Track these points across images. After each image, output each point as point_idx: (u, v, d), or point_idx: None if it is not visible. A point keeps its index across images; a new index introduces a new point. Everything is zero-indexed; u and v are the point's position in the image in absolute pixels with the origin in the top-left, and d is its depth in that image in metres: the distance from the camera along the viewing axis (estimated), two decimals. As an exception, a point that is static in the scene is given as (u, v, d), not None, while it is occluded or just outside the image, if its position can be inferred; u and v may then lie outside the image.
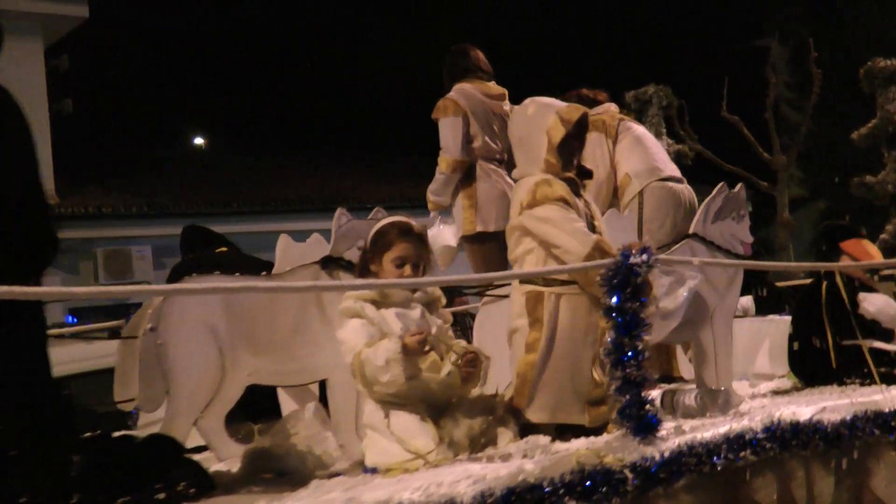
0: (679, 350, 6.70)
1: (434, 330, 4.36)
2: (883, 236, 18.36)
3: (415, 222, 4.57)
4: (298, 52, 35.34)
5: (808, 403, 4.86)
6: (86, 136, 24.36)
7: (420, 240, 4.49)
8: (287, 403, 5.60)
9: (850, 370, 5.80)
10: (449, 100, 6.67)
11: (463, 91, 6.71)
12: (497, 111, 6.74)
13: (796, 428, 4.30)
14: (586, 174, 5.01)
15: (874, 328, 5.91)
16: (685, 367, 6.67)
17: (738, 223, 5.50)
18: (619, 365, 4.13)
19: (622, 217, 5.83)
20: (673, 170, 6.81)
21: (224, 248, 5.84)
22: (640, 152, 6.75)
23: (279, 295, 4.62)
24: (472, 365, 4.31)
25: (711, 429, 4.24)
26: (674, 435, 4.17)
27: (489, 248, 6.55)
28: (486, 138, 6.65)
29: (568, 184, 4.77)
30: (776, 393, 5.71)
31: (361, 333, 4.27)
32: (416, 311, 4.39)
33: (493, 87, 6.82)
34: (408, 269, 4.41)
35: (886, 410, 4.60)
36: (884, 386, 5.35)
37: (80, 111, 21.38)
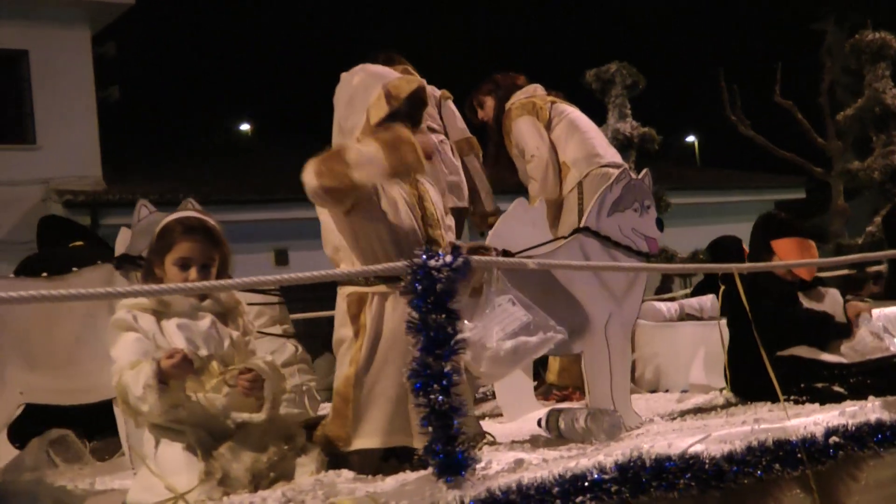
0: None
1: (226, 343, 3.57)
2: (869, 228, 16.67)
3: (208, 218, 3.77)
4: (347, 38, 34.69)
5: (701, 430, 3.98)
6: (132, 123, 23.97)
7: (210, 237, 3.70)
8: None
9: (787, 384, 4.87)
10: None
11: None
12: None
13: (660, 466, 3.43)
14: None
15: (816, 335, 4.96)
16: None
17: (642, 216, 4.59)
18: (423, 390, 3.29)
19: (532, 209, 4.94)
20: (613, 155, 5.96)
21: (80, 243, 5.08)
22: (577, 138, 5.90)
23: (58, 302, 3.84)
24: (252, 384, 3.51)
25: (549, 467, 3.40)
26: (493, 476, 3.33)
27: None
28: None
29: None
30: (696, 411, 4.80)
31: (133, 350, 3.52)
32: (203, 322, 3.63)
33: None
34: (193, 273, 3.65)
35: (793, 439, 3.71)
36: (790, 405, 4.46)
37: (127, 98, 21.01)
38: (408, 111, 4.02)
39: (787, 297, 5.01)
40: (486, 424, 4.89)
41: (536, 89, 6.18)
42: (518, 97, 6.12)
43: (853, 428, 3.90)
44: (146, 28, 20.59)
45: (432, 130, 5.78)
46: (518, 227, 4.82)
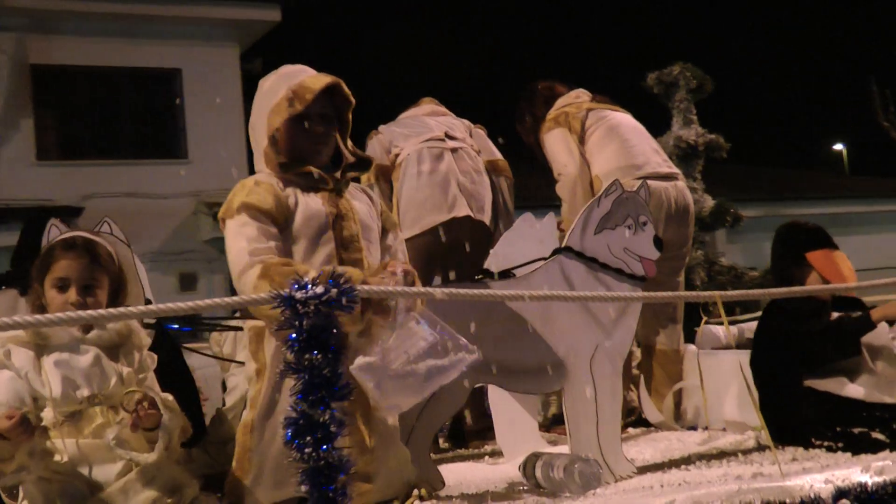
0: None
1: (113, 381, 3.12)
2: None
3: (99, 238, 3.33)
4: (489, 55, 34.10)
5: (683, 486, 3.34)
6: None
7: (93, 257, 3.24)
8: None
9: (821, 426, 4.12)
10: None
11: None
12: (427, 113, 5.44)
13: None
14: (362, 164, 3.63)
15: (837, 346, 4.18)
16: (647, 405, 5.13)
17: (636, 233, 3.91)
18: (295, 442, 2.76)
19: (540, 224, 4.33)
20: (658, 164, 5.25)
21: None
22: (613, 148, 5.23)
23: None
24: (147, 414, 3.05)
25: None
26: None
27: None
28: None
29: (302, 178, 3.40)
30: (708, 458, 4.09)
31: (2, 392, 3.06)
32: (86, 358, 3.16)
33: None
34: (73, 294, 3.22)
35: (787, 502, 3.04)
36: (822, 453, 3.73)
37: None
38: (321, 111, 3.48)
39: (815, 316, 4.24)
40: (474, 467, 4.32)
41: (578, 96, 5.52)
42: (555, 107, 5.48)
43: (874, 489, 3.14)
44: (292, 44, 20.53)
45: (451, 137, 5.21)
46: (521, 245, 4.23)
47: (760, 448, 4.23)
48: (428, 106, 5.45)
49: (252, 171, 3.61)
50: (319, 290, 2.73)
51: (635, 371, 5.37)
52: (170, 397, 3.20)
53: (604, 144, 5.26)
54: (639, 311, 3.97)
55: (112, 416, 3.08)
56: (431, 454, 4.80)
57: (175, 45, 16.82)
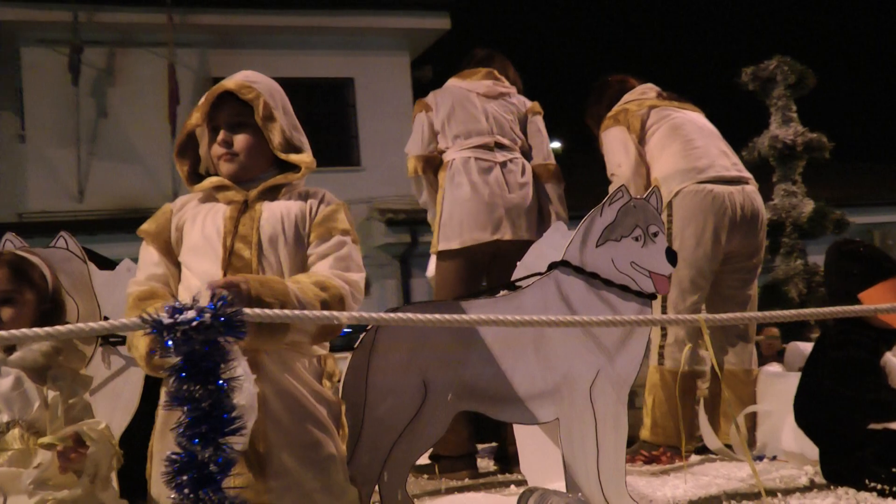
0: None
1: (36, 406, 2.91)
2: None
3: (27, 254, 3.14)
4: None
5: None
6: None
7: (13, 270, 3.04)
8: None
9: (875, 466, 3.55)
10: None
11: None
12: (483, 90, 4.96)
13: None
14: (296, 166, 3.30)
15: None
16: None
17: (646, 246, 3.42)
18: (171, 483, 2.47)
19: (571, 233, 3.91)
20: (724, 167, 4.73)
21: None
22: (674, 149, 4.74)
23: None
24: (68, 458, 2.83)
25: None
26: None
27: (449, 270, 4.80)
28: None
29: (218, 192, 3.17)
30: (741, 497, 3.56)
31: None
32: (5, 381, 2.95)
33: (480, 69, 5.09)
34: None
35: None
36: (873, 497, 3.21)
37: None
38: (229, 120, 3.20)
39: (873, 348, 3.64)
40: (483, 498, 3.93)
41: (644, 91, 5.03)
42: (620, 102, 5.00)
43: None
44: (461, 51, 20.30)
45: (501, 147, 4.81)
46: (551, 256, 3.81)
47: (811, 487, 3.67)
48: (486, 82, 5.03)
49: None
50: (191, 314, 2.43)
51: (701, 393, 4.82)
52: (101, 424, 2.95)
53: (665, 145, 4.77)
54: (648, 333, 3.48)
55: (33, 442, 2.87)
56: (465, 477, 4.45)
57: (348, 55, 16.94)
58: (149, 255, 3.15)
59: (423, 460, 4.66)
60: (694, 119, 4.92)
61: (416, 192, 5.00)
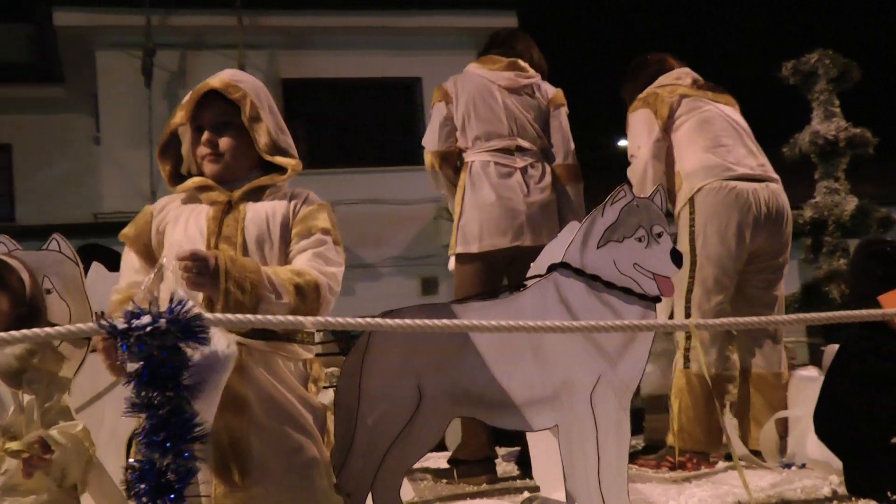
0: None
1: (11, 410, 2.89)
2: None
3: (7, 258, 3.12)
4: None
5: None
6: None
7: None
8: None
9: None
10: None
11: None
12: (505, 82, 4.81)
13: None
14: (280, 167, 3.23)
15: None
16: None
17: (649, 246, 3.29)
18: (130, 490, 2.44)
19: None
20: (751, 167, 4.57)
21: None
22: (701, 143, 4.60)
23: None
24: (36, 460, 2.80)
25: None
26: None
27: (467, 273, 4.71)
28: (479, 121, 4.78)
29: (201, 192, 3.10)
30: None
31: None
32: None
33: (502, 58, 4.89)
34: None
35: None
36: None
37: None
38: (214, 120, 3.13)
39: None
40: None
41: (679, 77, 4.86)
42: (653, 84, 4.85)
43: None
44: None
45: (522, 150, 4.69)
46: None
47: (832, 499, 3.50)
48: (507, 74, 4.86)
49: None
50: (146, 320, 2.37)
51: (730, 398, 4.65)
52: (77, 426, 2.92)
53: (692, 140, 4.62)
54: (652, 336, 3.34)
55: (9, 446, 2.84)
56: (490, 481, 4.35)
57: (415, 54, 16.87)
58: (130, 261, 3.13)
59: (442, 464, 4.58)
60: (725, 114, 4.75)
61: (433, 186, 4.93)
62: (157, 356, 2.39)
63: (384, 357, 3.25)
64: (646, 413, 5.07)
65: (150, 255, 3.11)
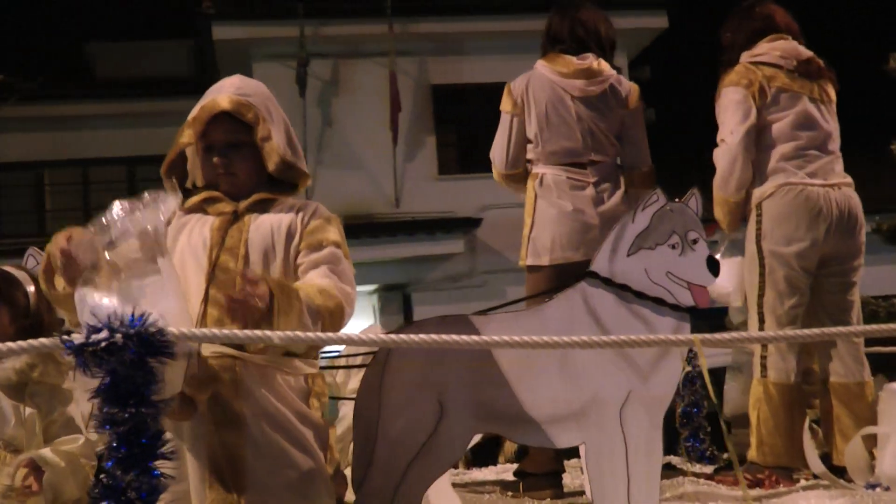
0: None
1: (12, 423, 2.92)
2: None
3: (14, 269, 3.14)
4: None
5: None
6: (670, 144, 22.86)
7: None
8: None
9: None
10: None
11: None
12: (578, 92, 4.58)
13: None
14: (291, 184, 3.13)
15: None
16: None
17: (684, 254, 3.06)
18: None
19: None
20: (824, 171, 4.28)
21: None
22: (782, 150, 4.43)
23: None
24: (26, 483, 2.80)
25: None
26: None
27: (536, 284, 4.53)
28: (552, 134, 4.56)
29: (206, 203, 2.99)
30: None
31: None
32: None
33: (572, 60, 4.62)
34: None
35: None
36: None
37: (662, 120, 20.12)
38: (224, 139, 3.04)
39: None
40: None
41: (785, 55, 4.53)
42: (753, 52, 4.55)
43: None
44: (680, 50, 19.63)
45: (594, 164, 4.50)
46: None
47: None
48: (579, 83, 4.55)
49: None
50: (102, 335, 2.32)
51: (812, 411, 4.34)
52: (79, 440, 2.91)
53: (778, 140, 4.36)
54: (685, 349, 3.11)
55: (11, 459, 2.85)
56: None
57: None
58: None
59: (509, 476, 4.44)
60: (816, 115, 4.44)
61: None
62: (119, 371, 2.34)
63: (405, 370, 3.12)
64: (732, 426, 4.79)
65: None
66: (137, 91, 16.34)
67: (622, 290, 3.09)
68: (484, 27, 16.61)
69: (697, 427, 4.89)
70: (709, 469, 4.69)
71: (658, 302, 3.07)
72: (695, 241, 3.07)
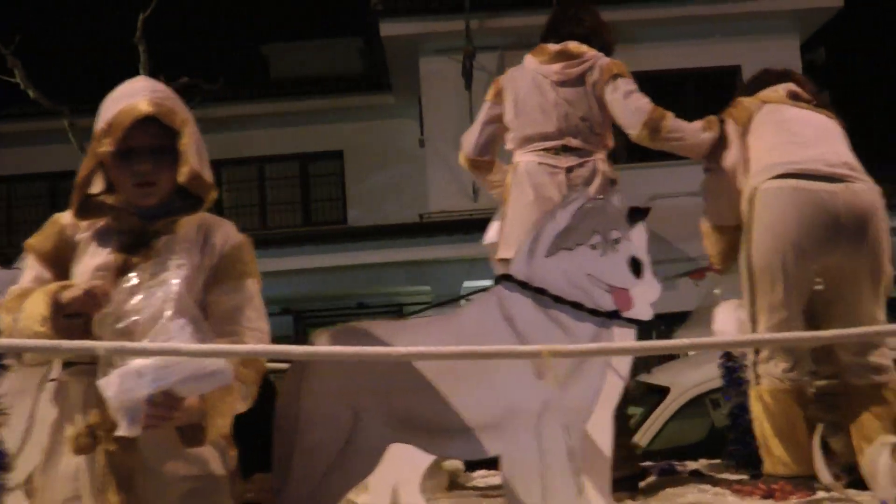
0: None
1: None
2: None
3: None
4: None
5: None
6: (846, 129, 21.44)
7: None
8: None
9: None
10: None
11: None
12: (556, 76, 4.34)
13: None
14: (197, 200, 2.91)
15: None
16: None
17: (605, 255, 2.82)
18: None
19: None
20: (827, 163, 3.90)
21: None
22: (769, 142, 4.00)
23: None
24: None
25: None
26: None
27: None
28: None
29: (118, 218, 2.85)
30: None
31: None
32: None
33: (552, 46, 4.43)
34: None
35: None
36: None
37: (837, 103, 19.01)
38: (150, 143, 2.84)
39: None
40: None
41: (778, 90, 4.26)
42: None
43: None
44: (855, 31, 18.39)
45: (568, 150, 4.25)
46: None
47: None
48: (555, 67, 4.34)
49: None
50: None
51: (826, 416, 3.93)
52: None
53: (758, 138, 4.03)
54: (607, 358, 2.85)
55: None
56: None
57: (735, 41, 15.95)
58: (32, 266, 2.82)
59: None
60: (812, 119, 4.05)
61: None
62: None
63: (322, 379, 3.00)
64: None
65: (56, 264, 2.91)
66: (310, 89, 16.74)
67: (539, 294, 2.86)
68: (649, 14, 16.13)
69: (744, 430, 4.51)
70: (745, 476, 4.33)
71: (576, 306, 2.83)
72: (616, 241, 2.82)
